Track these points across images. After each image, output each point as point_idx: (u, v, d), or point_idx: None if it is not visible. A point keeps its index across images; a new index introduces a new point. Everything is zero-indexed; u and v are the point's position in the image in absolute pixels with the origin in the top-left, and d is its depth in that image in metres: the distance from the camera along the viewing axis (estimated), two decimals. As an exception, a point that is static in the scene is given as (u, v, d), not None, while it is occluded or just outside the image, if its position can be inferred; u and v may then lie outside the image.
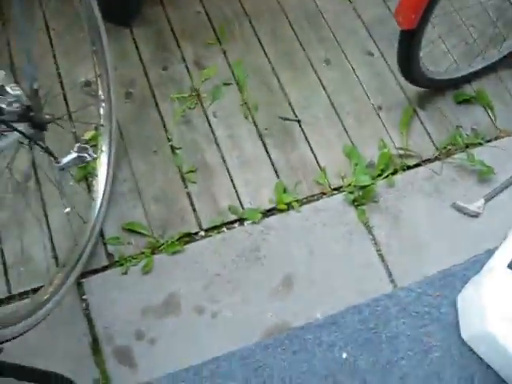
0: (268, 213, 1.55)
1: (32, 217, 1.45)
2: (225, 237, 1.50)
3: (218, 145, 1.63)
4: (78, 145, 1.13)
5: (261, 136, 1.66)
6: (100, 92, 1.49)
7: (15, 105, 0.97)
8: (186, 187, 1.56)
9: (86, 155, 1.11)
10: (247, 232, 1.51)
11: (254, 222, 1.52)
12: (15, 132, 1.01)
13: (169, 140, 1.62)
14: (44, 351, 1.33)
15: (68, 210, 1.35)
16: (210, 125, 1.66)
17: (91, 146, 1.27)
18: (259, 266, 1.48)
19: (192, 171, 1.58)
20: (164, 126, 1.64)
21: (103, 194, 1.46)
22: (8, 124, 0.95)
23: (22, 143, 1.08)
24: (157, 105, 1.68)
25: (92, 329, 1.38)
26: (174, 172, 1.58)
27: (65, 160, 1.10)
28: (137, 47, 1.79)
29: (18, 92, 0.97)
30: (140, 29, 1.83)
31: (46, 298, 1.25)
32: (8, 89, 0.95)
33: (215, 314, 1.41)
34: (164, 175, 1.57)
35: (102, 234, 1.47)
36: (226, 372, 1.37)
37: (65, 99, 1.66)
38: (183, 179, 1.57)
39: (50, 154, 1.12)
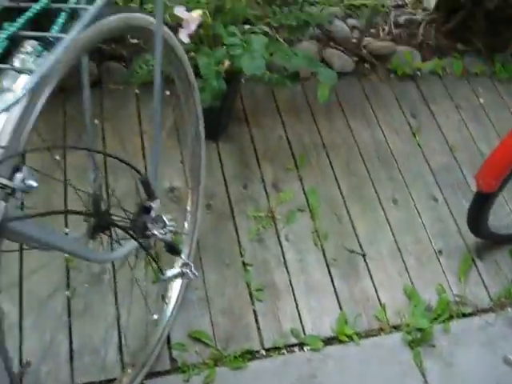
0: (328, 341, 1.59)
1: (104, 311, 1.51)
2: (285, 359, 1.54)
3: (286, 267, 1.71)
4: (181, 261, 1.21)
5: (328, 265, 1.73)
6: (189, 203, 1.60)
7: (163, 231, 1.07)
8: (253, 304, 1.62)
9: (188, 271, 1.19)
10: (307, 358, 1.55)
11: (314, 349, 1.56)
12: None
13: (241, 255, 1.71)
14: None
15: (156, 317, 1.42)
16: (281, 247, 1.74)
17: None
18: (315, 395, 1.50)
19: (260, 289, 1.64)
20: (238, 241, 1.73)
21: (176, 300, 1.53)
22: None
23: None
24: (234, 219, 1.78)
25: (145, 432, 1.40)
26: (243, 287, 1.65)
27: (169, 273, 1.17)
28: (221, 161, 1.92)
29: (173, 225, 1.07)
30: (226, 144, 1.97)
31: (115, 397, 1.29)
32: (166, 220, 1.06)
33: None
34: (233, 289, 1.64)
35: (168, 337, 1.52)
36: None
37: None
38: (251, 296, 1.63)
39: (158, 266, 1.19)
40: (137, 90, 2.00)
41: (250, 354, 1.54)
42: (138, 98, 2.04)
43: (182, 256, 1.20)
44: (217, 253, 1.70)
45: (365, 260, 1.78)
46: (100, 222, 1.17)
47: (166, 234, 1.06)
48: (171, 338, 1.53)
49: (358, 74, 2.33)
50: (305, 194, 1.88)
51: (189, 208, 1.60)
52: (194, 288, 1.62)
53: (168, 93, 1.98)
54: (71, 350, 1.47)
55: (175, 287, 1.55)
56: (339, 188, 1.93)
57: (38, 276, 1.45)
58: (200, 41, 1.70)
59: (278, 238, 1.77)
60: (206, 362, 1.50)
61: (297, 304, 1.64)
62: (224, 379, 1.48)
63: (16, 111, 0.72)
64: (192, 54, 1.63)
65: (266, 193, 1.87)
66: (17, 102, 0.69)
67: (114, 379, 1.43)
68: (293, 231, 1.79)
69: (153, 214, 1.05)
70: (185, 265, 1.20)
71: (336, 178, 1.95)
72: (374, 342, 1.62)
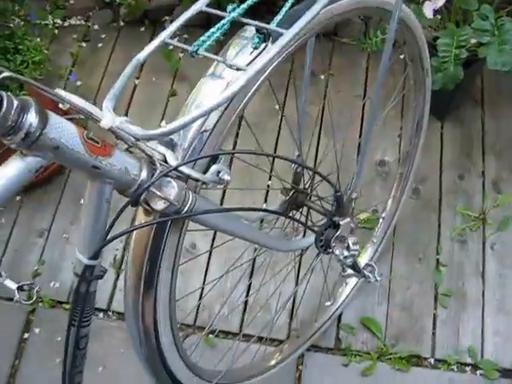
0: (505, 373, 1.46)
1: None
2: (452, 377, 1.44)
3: (483, 278, 1.56)
4: (367, 262, 1.16)
5: (530, 289, 1.55)
6: (394, 187, 1.51)
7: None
8: (436, 308, 1.53)
9: (370, 275, 1.14)
10: (476, 383, 1.44)
11: (486, 376, 1.44)
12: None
13: (437, 253, 1.60)
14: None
15: (328, 304, 1.41)
16: (484, 254, 1.59)
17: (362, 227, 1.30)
18: (475, 423, 1.40)
19: (447, 295, 1.53)
20: (438, 237, 1.62)
21: (355, 283, 1.49)
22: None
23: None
24: (439, 212, 1.66)
25: (295, 399, 1.44)
26: (430, 287, 1.55)
27: (349, 271, 1.13)
28: (442, 144, 1.78)
29: (356, 249, 1.02)
30: (451, 126, 1.81)
31: (273, 363, 1.33)
32: (350, 243, 1.01)
33: None
34: (419, 286, 1.55)
35: (339, 316, 1.51)
36: None
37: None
38: (436, 299, 1.54)
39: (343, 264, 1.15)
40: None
41: (417, 359, 1.47)
42: (369, 59, 1.94)
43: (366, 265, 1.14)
44: (412, 243, 1.61)
45: None
46: (297, 199, 1.15)
47: (346, 257, 1.01)
48: (342, 318, 1.51)
49: None
50: (528, 203, 1.68)
51: (393, 192, 1.52)
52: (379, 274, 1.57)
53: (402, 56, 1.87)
54: (246, 302, 1.54)
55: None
56: None
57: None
58: (448, 18, 1.53)
59: (483, 244, 1.61)
60: (369, 353, 1.47)
61: (483, 322, 1.51)
62: (383, 376, 1.44)
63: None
64: (433, 32, 1.48)
65: (484, 190, 1.69)
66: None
67: (279, 340, 1.48)
68: (502, 241, 1.61)
69: (339, 231, 1.00)
70: (368, 266, 1.15)
71: None
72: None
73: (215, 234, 1.64)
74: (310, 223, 1.14)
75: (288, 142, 1.61)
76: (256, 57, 0.70)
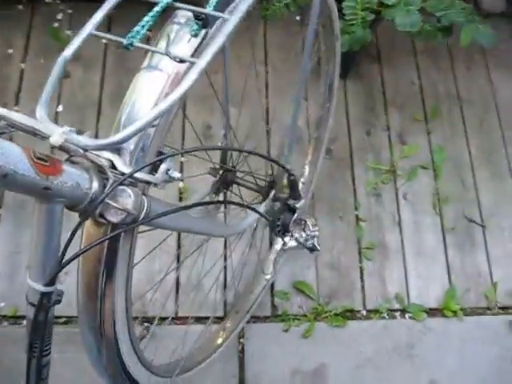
0: (431, 312, 1.55)
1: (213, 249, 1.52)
2: (385, 324, 1.52)
3: (400, 228, 1.64)
4: (305, 234, 1.17)
5: (444, 231, 1.65)
6: (310, 152, 1.54)
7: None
8: (361, 262, 1.59)
9: (310, 245, 1.15)
10: (407, 326, 1.52)
11: (415, 319, 1.53)
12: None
13: (356, 209, 1.65)
14: (194, 381, 1.41)
15: (268, 277, 1.41)
16: (398, 205, 1.67)
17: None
18: (409, 364, 1.49)
19: (370, 248, 1.60)
20: (354, 193, 1.67)
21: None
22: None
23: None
24: (352, 169, 1.71)
25: (242, 372, 1.45)
26: (353, 243, 1.60)
27: (290, 244, 1.13)
28: (346, 101, 1.82)
29: (316, 230, 1.01)
30: (353, 83, 1.85)
31: (220, 342, 1.33)
32: (309, 224, 1.00)
33: (356, 398, 1.45)
34: (344, 244, 1.60)
35: (272, 284, 1.53)
36: None
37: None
38: (360, 253, 1.60)
39: (283, 239, 1.15)
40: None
41: (351, 313, 1.53)
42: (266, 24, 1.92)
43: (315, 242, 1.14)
44: (331, 203, 1.65)
45: (483, 232, 1.67)
46: (226, 178, 1.13)
47: (307, 239, 1.01)
48: (275, 285, 1.53)
49: (509, 17, 2.07)
50: (431, 150, 1.76)
51: (309, 157, 1.54)
52: (304, 236, 1.60)
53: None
54: (177, 283, 1.51)
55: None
56: (468, 148, 1.79)
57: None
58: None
59: (396, 194, 1.69)
60: (306, 315, 1.50)
61: (405, 268, 1.59)
62: (322, 335, 1.48)
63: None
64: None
65: (390, 143, 1.76)
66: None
67: (217, 318, 1.47)
68: (412, 190, 1.70)
69: (296, 215, 0.99)
70: (309, 237, 1.15)
71: (466, 136, 1.81)
72: (478, 320, 1.57)
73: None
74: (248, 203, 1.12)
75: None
76: (199, 46, 0.66)
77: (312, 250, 1.09)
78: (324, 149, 1.52)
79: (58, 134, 0.55)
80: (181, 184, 1.61)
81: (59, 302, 0.66)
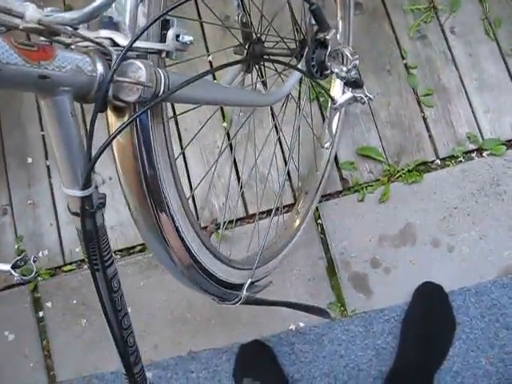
0: (510, 144, 1.44)
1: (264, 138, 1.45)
2: (463, 168, 1.42)
3: (456, 65, 1.50)
4: (345, 67, 1.05)
5: (503, 56, 1.50)
6: (339, 5, 1.40)
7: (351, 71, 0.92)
8: (422, 111, 1.47)
9: (362, 96, 1.05)
10: (487, 164, 1.42)
11: (494, 154, 1.42)
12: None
13: (403, 58, 1.52)
14: (280, 272, 1.38)
15: (327, 145, 1.33)
16: (447, 42, 1.52)
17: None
18: (499, 202, 1.40)
19: (428, 94, 1.48)
20: (397, 42, 1.53)
21: (339, 117, 1.42)
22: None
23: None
24: (389, 17, 1.56)
25: (327, 253, 1.41)
26: (409, 93, 1.49)
27: (341, 100, 1.05)
28: (363, -52, 1.64)
29: (356, 59, 0.91)
30: None
31: (297, 225, 1.28)
32: (347, 53, 0.90)
33: (452, 248, 1.38)
34: (399, 97, 1.49)
35: (335, 158, 1.45)
36: (459, 306, 1.35)
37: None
38: (419, 102, 1.48)
39: (329, 94, 1.07)
40: None
41: (425, 166, 1.44)
42: None
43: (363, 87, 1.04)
44: (375, 58, 1.52)
45: (548, 44, 1.51)
46: (253, 52, 1.04)
47: (349, 70, 0.91)
48: (339, 159, 1.45)
49: None
50: (469, -28, 1.58)
51: (339, 13, 1.41)
52: (356, 101, 1.49)
53: None
54: (239, 182, 1.46)
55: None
56: (511, -42, 1.59)
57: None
58: None
59: (443, 31, 1.53)
60: (378, 179, 1.43)
61: (471, 106, 1.47)
62: (400, 194, 1.41)
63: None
64: None
65: (423, -22, 1.59)
66: None
67: (289, 205, 1.42)
68: (459, 21, 1.54)
69: (329, 48, 0.89)
70: (356, 82, 1.05)
71: None
72: None
73: (179, 134, 1.53)
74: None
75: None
76: None
77: (359, 86, 0.99)
78: (353, 2, 1.38)
79: (33, 9, 0.48)
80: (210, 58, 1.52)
81: (103, 204, 0.61)
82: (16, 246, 1.59)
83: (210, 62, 1.56)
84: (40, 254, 1.57)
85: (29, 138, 1.64)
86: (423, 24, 1.54)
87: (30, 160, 1.62)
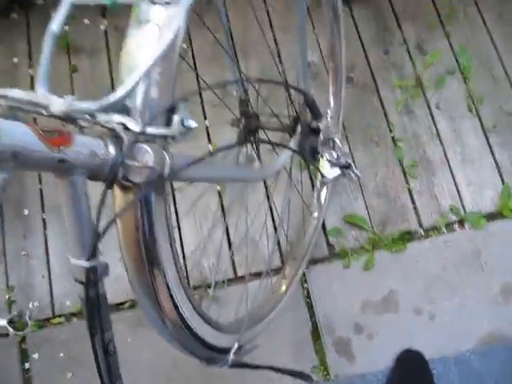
0: (490, 217, 1.50)
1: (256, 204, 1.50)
2: (446, 239, 1.48)
3: (440, 139, 1.58)
4: (335, 153, 1.12)
5: (485, 132, 1.59)
6: (331, 83, 1.48)
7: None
8: (407, 183, 1.54)
9: (350, 172, 1.11)
10: (469, 236, 1.48)
11: (475, 227, 1.48)
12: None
13: (390, 131, 1.60)
14: (266, 335, 1.41)
15: (316, 215, 1.39)
16: (432, 117, 1.61)
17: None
18: (479, 273, 1.45)
19: (414, 165, 1.55)
20: (385, 115, 1.62)
21: (327, 188, 1.48)
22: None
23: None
24: (378, 91, 1.65)
25: (312, 317, 1.45)
26: (396, 165, 1.56)
27: (329, 176, 1.11)
28: (356, 27, 1.75)
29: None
30: (359, 7, 1.78)
31: (283, 290, 1.32)
32: (337, 141, 0.97)
33: (433, 316, 1.42)
34: (385, 168, 1.56)
35: (323, 224, 1.50)
36: (439, 374, 1.39)
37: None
38: (404, 174, 1.55)
39: (319, 170, 1.13)
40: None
41: (409, 235, 1.50)
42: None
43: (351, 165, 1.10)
44: (363, 130, 1.61)
45: (528, 124, 1.60)
46: (249, 126, 1.10)
47: (339, 157, 0.98)
48: (326, 225, 1.51)
49: None
50: (454, 53, 1.68)
51: (331, 88, 1.49)
52: (344, 170, 1.56)
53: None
54: (229, 244, 1.51)
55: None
56: (493, 42, 1.70)
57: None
58: None
59: (429, 107, 1.62)
60: (364, 247, 1.48)
61: (454, 179, 1.54)
62: (384, 262, 1.46)
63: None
64: None
65: (410, 57, 1.69)
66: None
67: (277, 269, 1.46)
68: (444, 98, 1.63)
69: (321, 135, 0.96)
70: (345, 166, 1.12)
71: (488, 31, 1.72)
72: (541, 213, 1.51)
73: (173, 192, 1.59)
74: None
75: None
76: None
77: (347, 168, 1.05)
78: (344, 78, 1.47)
79: (58, 103, 0.54)
80: (210, 147, 1.59)
81: (107, 273, 0.65)
82: (7, 296, 1.61)
83: (208, 131, 1.64)
84: (30, 305, 1.58)
85: (27, 190, 1.69)
86: (410, 99, 1.63)
87: (26, 212, 1.66)
